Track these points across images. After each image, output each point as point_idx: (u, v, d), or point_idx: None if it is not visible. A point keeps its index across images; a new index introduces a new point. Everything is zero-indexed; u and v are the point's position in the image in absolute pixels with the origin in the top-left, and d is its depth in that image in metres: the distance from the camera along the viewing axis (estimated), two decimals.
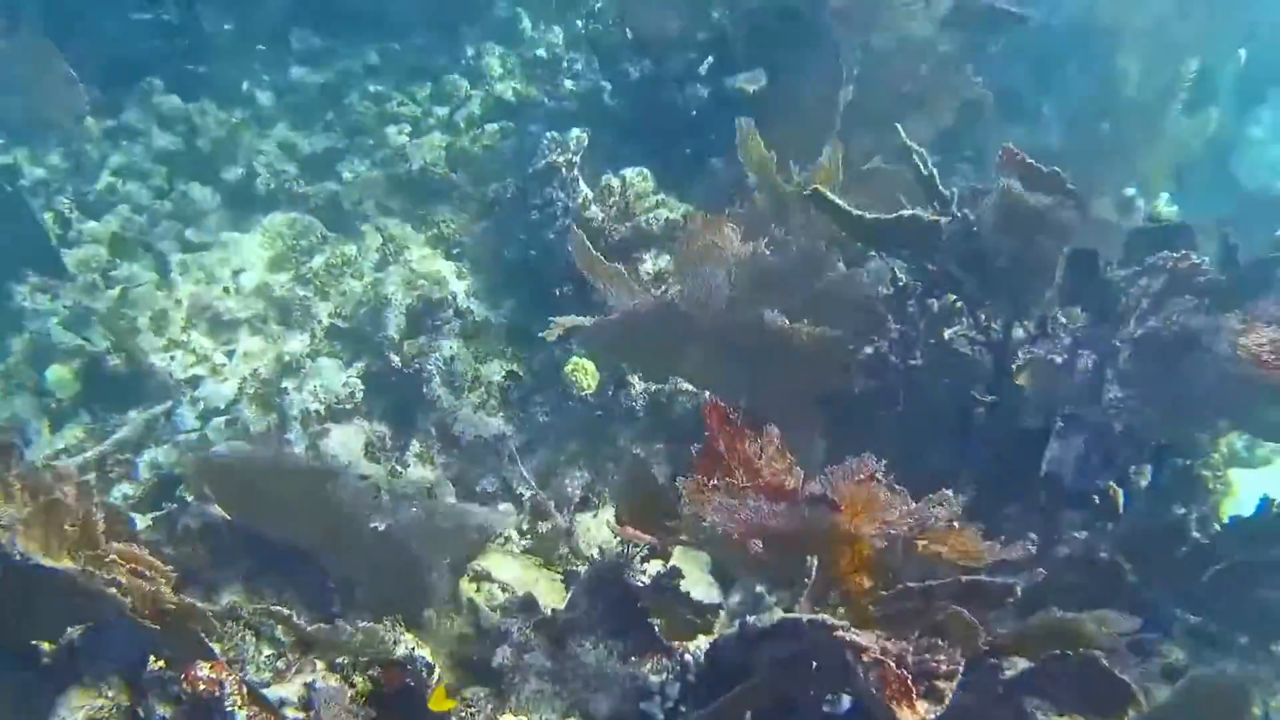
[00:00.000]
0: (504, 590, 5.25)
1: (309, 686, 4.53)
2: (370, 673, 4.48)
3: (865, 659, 3.46)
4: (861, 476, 3.93)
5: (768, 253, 5.74)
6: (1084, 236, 5.11)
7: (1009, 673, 3.80)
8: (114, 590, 3.97)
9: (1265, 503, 5.00)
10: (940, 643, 3.52)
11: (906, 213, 4.93)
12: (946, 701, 3.33)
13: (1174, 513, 5.59)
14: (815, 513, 3.85)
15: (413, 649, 4.59)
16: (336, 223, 7.70)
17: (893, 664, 3.35)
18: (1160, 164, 8.63)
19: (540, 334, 5.84)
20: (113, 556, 4.03)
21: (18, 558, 3.87)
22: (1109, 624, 3.89)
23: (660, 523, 4.66)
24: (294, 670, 4.64)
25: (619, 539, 5.22)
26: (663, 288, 6.28)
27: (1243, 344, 4.73)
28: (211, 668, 4.27)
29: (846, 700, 4.20)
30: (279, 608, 4.46)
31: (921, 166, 5.24)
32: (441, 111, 8.68)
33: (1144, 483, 5.55)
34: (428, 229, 7.61)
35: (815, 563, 3.91)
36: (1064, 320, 5.28)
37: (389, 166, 8.14)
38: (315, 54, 9.23)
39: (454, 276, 7.20)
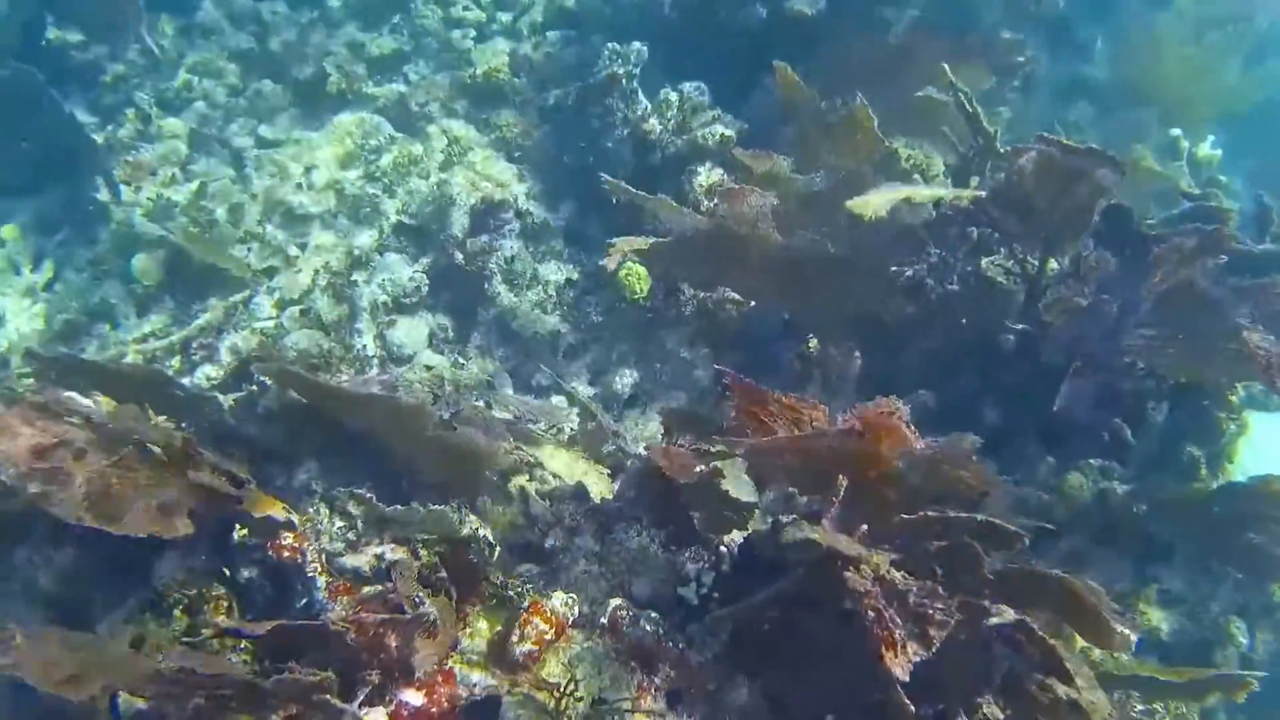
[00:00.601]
0: (555, 479, 5.61)
1: (379, 558, 4.95)
2: (437, 549, 4.87)
3: (866, 603, 3.78)
4: (885, 411, 4.28)
5: (816, 177, 6.03)
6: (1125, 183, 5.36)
7: (994, 619, 4.12)
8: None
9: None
10: (940, 589, 3.79)
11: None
12: (933, 649, 3.65)
13: (1187, 451, 5.94)
14: (844, 439, 4.20)
15: (476, 529, 4.98)
16: (403, 123, 7.98)
17: (887, 615, 3.68)
18: (1211, 110, 8.75)
19: (600, 244, 6.15)
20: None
21: None
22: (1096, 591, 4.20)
23: (704, 433, 5.06)
24: (363, 542, 5.06)
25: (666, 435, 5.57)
26: (715, 203, 6.59)
27: (1245, 335, 4.99)
28: (294, 537, 4.70)
29: None
30: (358, 490, 4.83)
31: (966, 104, 5.47)
32: (505, 17, 8.90)
33: (1159, 420, 5.89)
34: (490, 132, 7.89)
35: (844, 483, 4.24)
36: (1094, 264, 5.53)
37: (453, 69, 8.39)
38: None
39: (515, 179, 7.49)
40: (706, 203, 6.66)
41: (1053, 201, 5.19)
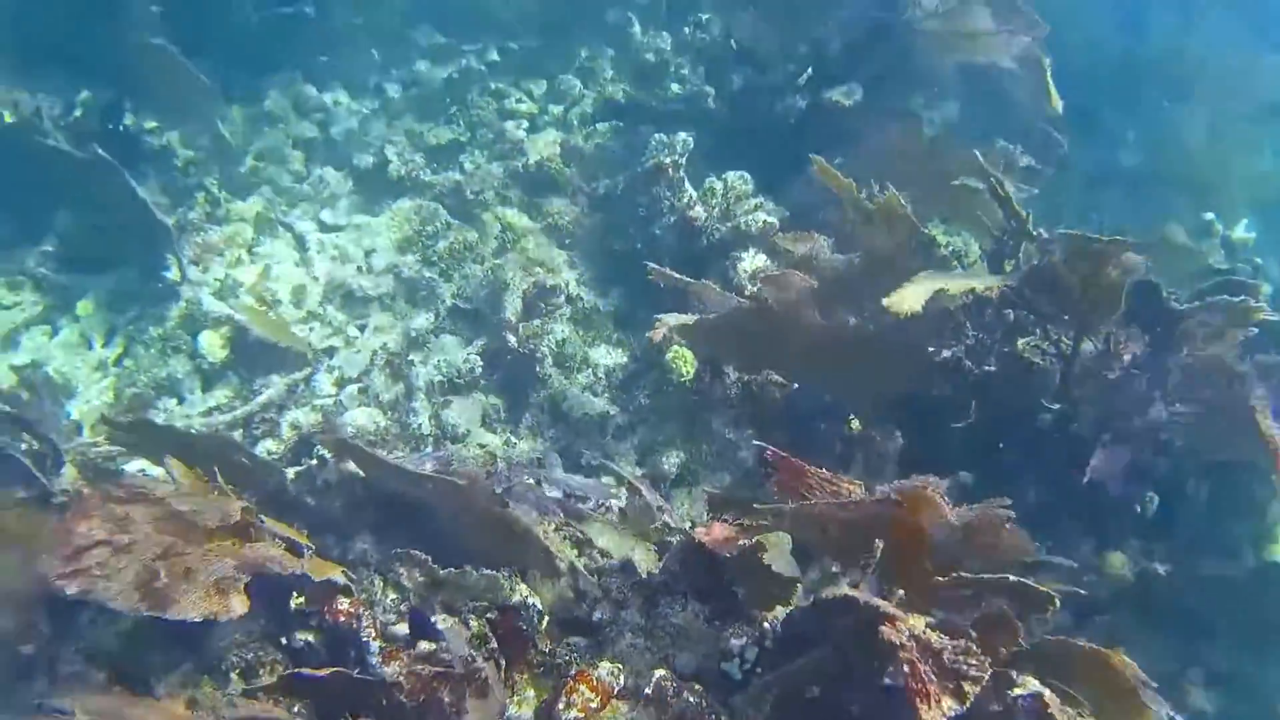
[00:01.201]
0: (602, 555, 5.78)
1: (433, 622, 5.14)
2: (487, 616, 5.06)
3: (902, 655, 3.94)
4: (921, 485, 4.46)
5: (855, 260, 6.26)
6: (1157, 261, 5.55)
7: (1018, 690, 4.24)
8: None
9: None
10: (975, 647, 3.95)
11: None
12: (968, 703, 3.79)
13: (1229, 529, 6.04)
14: (881, 508, 4.38)
15: (526, 597, 5.17)
16: (459, 210, 8.32)
17: (922, 667, 3.83)
18: (1243, 196, 8.95)
19: (647, 328, 6.38)
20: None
21: None
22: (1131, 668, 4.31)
23: (746, 508, 5.25)
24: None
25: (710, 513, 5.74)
26: (758, 287, 6.82)
27: (1256, 419, 5.15)
28: (350, 602, 4.90)
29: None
30: (415, 552, 5.03)
31: (999, 189, 5.69)
32: (556, 109, 9.30)
33: (1201, 497, 6.00)
34: (542, 219, 8.21)
35: (880, 545, 4.41)
36: (1124, 340, 5.70)
37: (507, 159, 8.75)
38: (438, 50, 9.91)
39: (566, 265, 7.79)
40: (750, 287, 6.88)
41: (1084, 283, 5.37)
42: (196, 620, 4.35)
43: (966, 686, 3.72)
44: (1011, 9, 8.17)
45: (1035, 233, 5.54)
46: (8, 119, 7.82)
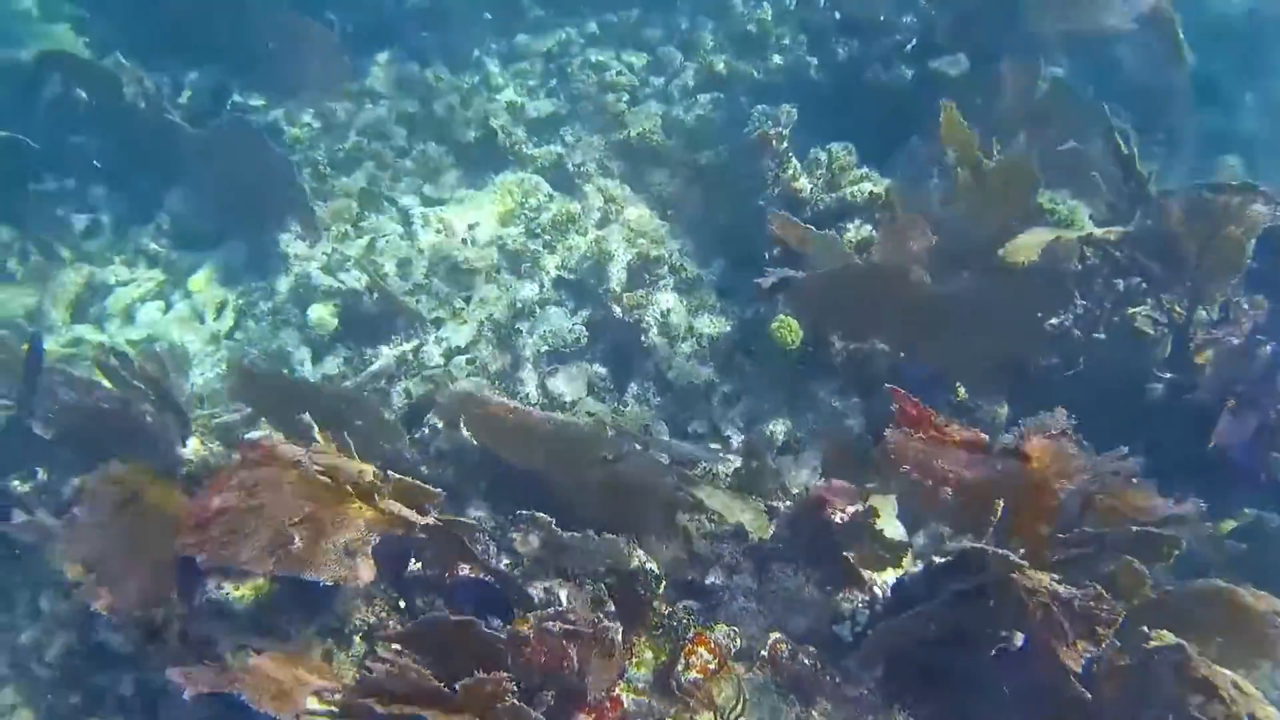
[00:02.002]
0: (714, 520, 5.79)
1: (548, 590, 5.19)
2: (606, 580, 5.09)
3: (1036, 599, 3.90)
4: (1052, 431, 4.39)
5: (966, 223, 6.18)
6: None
7: (1154, 643, 4.21)
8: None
9: None
10: (1106, 593, 3.90)
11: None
12: (1104, 645, 3.75)
13: None
14: (1006, 464, 4.32)
15: (644, 562, 5.20)
16: (561, 183, 8.36)
17: (1058, 609, 3.80)
18: None
19: (750, 299, 6.35)
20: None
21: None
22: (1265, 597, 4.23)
23: (858, 472, 5.23)
24: (530, 578, 5.31)
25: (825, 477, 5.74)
26: (865, 254, 6.78)
27: None
28: (471, 568, 4.96)
29: (1020, 638, 4.68)
30: (539, 515, 5.07)
31: (1123, 146, 5.56)
32: (657, 81, 9.28)
33: None
34: (645, 191, 8.22)
35: (1000, 504, 4.36)
36: (1246, 306, 5.56)
37: (609, 132, 8.76)
38: (538, 23, 9.94)
39: (669, 236, 7.78)
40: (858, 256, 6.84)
41: (1203, 243, 5.25)
42: (327, 584, 4.44)
43: (1100, 630, 3.70)
44: None
45: (1153, 195, 5.40)
46: (127, 97, 8.00)
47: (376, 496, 4.70)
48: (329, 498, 4.59)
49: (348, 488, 4.65)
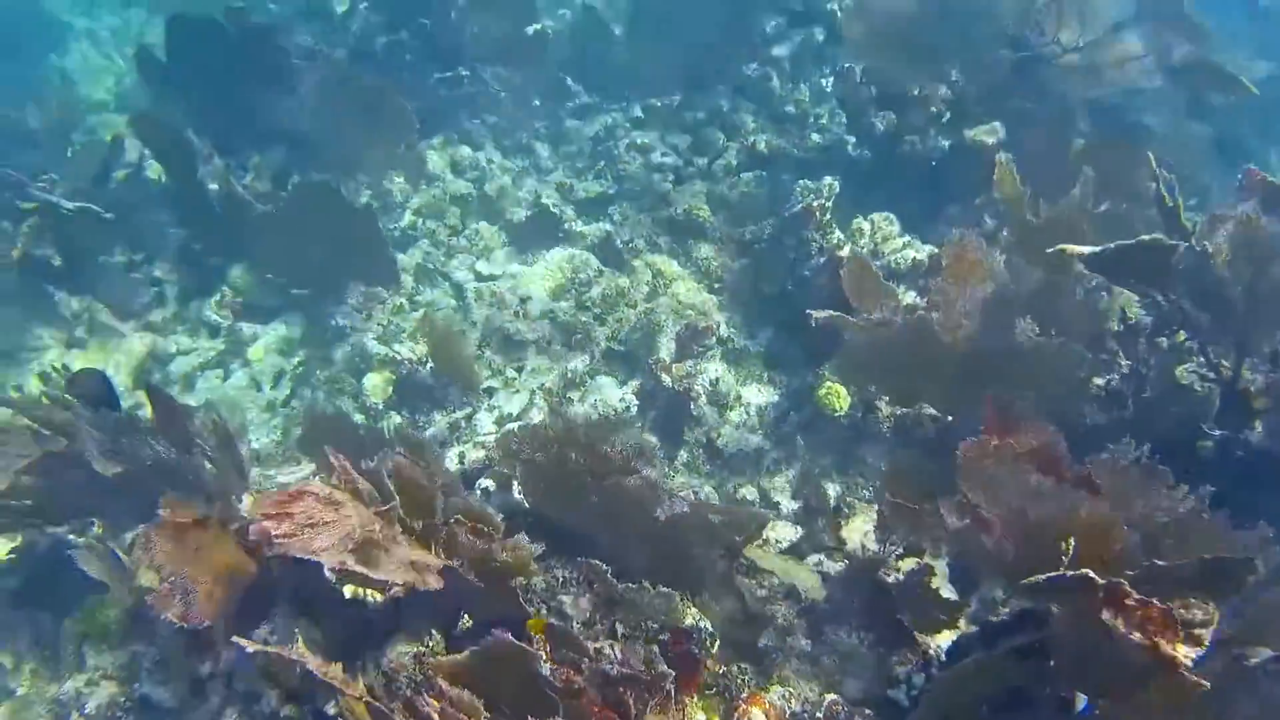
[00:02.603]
0: (765, 583, 5.84)
1: (598, 651, 5.22)
2: (660, 638, 5.13)
3: (1127, 604, 3.82)
4: (1122, 464, 4.41)
5: (1011, 279, 6.29)
6: None
7: (1253, 660, 4.16)
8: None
9: None
10: (1192, 599, 3.90)
11: (1147, 237, 5.27)
12: (1205, 645, 3.72)
13: None
14: (1076, 496, 4.33)
15: (698, 620, 5.25)
16: (610, 258, 8.57)
17: (1155, 617, 3.77)
18: None
19: (797, 367, 6.44)
20: (456, 518, 4.84)
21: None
22: None
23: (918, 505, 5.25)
24: (582, 637, 5.35)
25: (879, 535, 5.79)
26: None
27: None
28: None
29: (1083, 700, 4.66)
30: (595, 563, 5.14)
31: (1167, 197, 5.62)
32: (701, 161, 9.51)
33: None
34: (691, 265, 8.41)
35: (1072, 543, 4.36)
36: None
37: (655, 209, 8.98)
38: (585, 109, 10.27)
39: (715, 308, 7.95)
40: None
41: (1249, 290, 5.28)
42: (397, 587, 4.51)
43: (1199, 631, 3.69)
44: (1172, 21, 8.22)
45: (1199, 246, 5.46)
46: (199, 174, 8.30)
47: (433, 539, 4.79)
48: (394, 532, 4.69)
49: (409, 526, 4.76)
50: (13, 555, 6.26)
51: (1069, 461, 4.73)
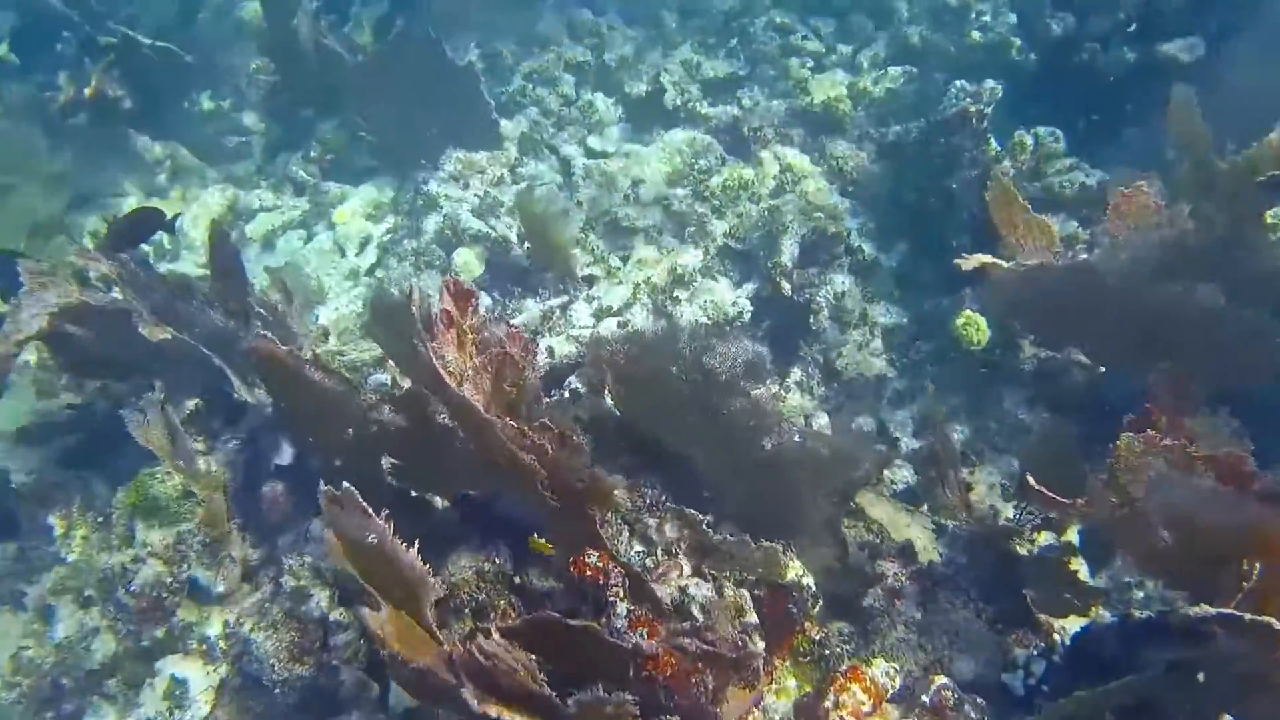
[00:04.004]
0: (875, 531, 5.17)
1: (683, 590, 4.58)
2: (755, 591, 4.48)
3: None
4: None
5: (1193, 228, 5.41)
6: None
7: None
8: (532, 459, 4.08)
9: None
10: None
11: None
12: None
13: None
14: (1266, 511, 3.58)
15: (801, 576, 4.58)
16: (735, 146, 7.72)
17: None
18: None
19: (932, 289, 5.68)
20: (542, 421, 4.17)
21: (459, 404, 4.05)
22: None
23: (1065, 491, 4.50)
24: (660, 570, 4.71)
25: (1017, 500, 5.07)
26: (1072, 252, 6.06)
27: None
28: (599, 557, 4.37)
29: None
30: (689, 511, 4.49)
31: None
32: (845, 49, 8.62)
33: None
34: (824, 163, 7.53)
35: (1256, 569, 3.64)
36: None
37: (790, 98, 8.12)
38: None
39: (847, 213, 7.10)
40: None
41: None
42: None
43: None
44: None
45: None
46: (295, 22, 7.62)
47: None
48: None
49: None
50: (71, 412, 5.86)
51: (1253, 469, 3.93)
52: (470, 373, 4.06)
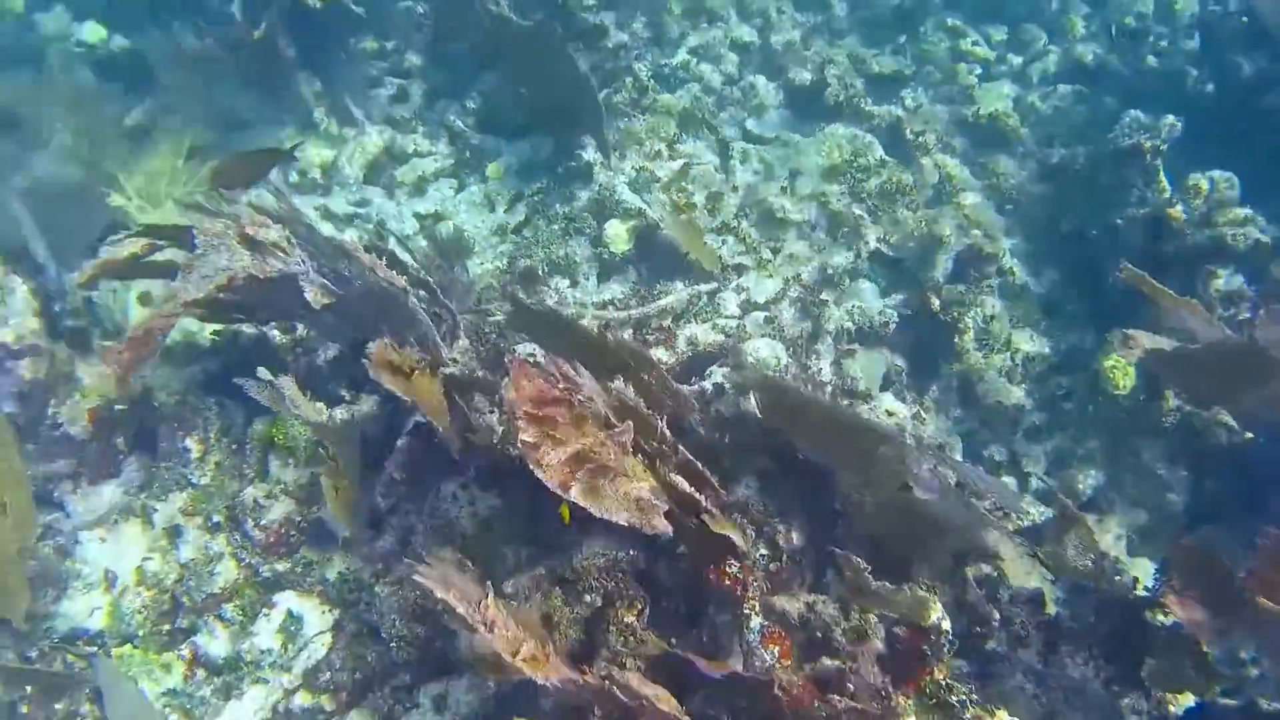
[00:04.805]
0: (1001, 575, 5.13)
1: (810, 607, 4.60)
2: (893, 628, 4.47)
3: None
4: None
5: None
6: None
7: None
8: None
9: None
10: None
11: None
12: None
13: None
14: None
15: (940, 619, 4.55)
16: (894, 148, 7.61)
17: None
18: None
19: (1079, 322, 5.56)
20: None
21: None
22: None
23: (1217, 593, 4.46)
24: (784, 577, 4.73)
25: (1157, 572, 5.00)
26: (1232, 311, 5.93)
27: None
28: (741, 569, 4.40)
29: None
30: (853, 558, 4.48)
31: None
32: (1015, 60, 8.46)
33: None
34: (985, 178, 7.43)
35: None
36: None
37: (953, 104, 8.00)
38: None
39: (1002, 233, 7.00)
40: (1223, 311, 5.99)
41: None
42: (620, 524, 4.01)
43: None
44: None
45: None
46: None
47: (661, 463, 4.23)
48: (618, 449, 4.13)
49: (632, 442, 4.18)
50: (216, 338, 5.99)
51: None
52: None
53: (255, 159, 5.67)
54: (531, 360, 4.62)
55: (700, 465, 4.36)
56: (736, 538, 4.30)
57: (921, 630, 4.36)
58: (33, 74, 7.44)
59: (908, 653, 4.34)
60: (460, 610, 3.79)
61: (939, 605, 4.44)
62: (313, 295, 4.92)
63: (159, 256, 5.36)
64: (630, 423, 4.25)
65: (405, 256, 5.81)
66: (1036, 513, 5.71)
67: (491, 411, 5.08)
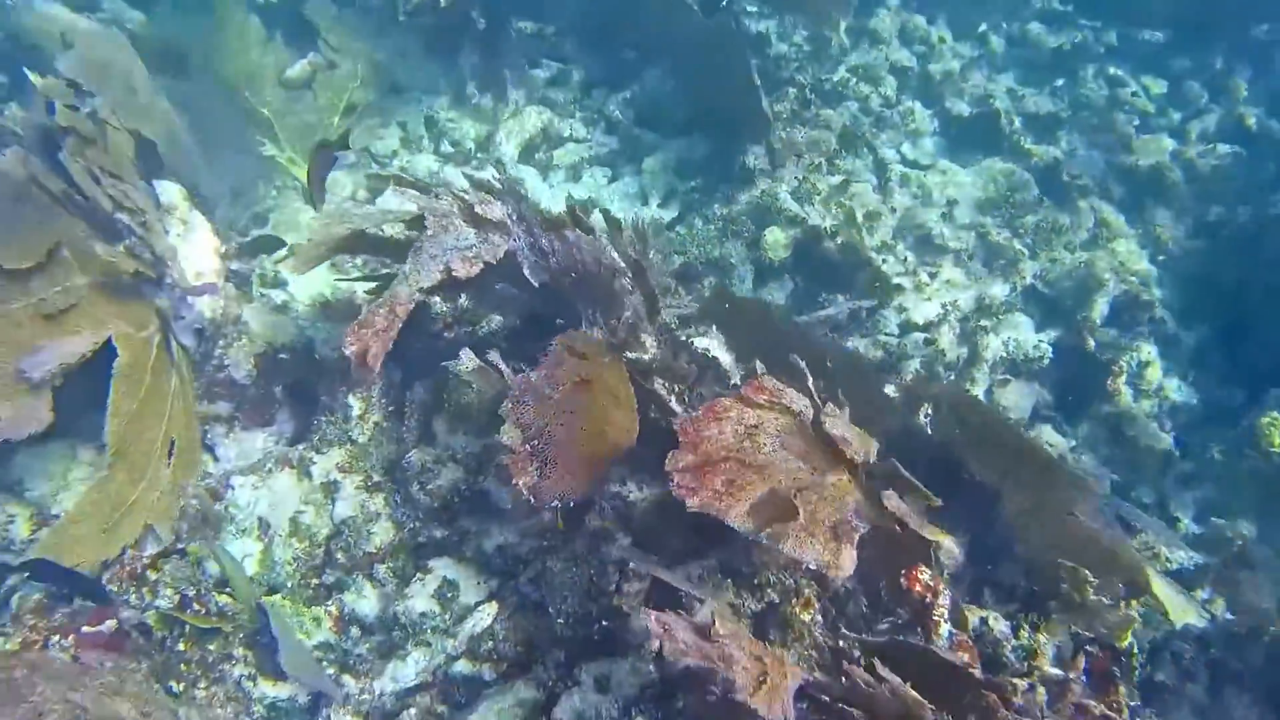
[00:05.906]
0: (1159, 610, 5.16)
1: (983, 621, 4.66)
2: (1086, 648, 4.52)
3: None
4: None
5: None
6: None
7: None
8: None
9: None
10: None
11: None
12: None
13: None
14: None
15: (1132, 644, 4.61)
16: (1049, 188, 7.67)
17: None
18: None
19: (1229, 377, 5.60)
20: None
21: None
22: None
23: None
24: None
25: None
26: None
27: None
28: (932, 577, 4.47)
29: None
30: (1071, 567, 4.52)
31: None
32: (1174, 115, 8.48)
33: None
34: (1140, 225, 7.47)
35: None
36: None
37: (1110, 152, 8.02)
38: (1052, 15, 9.25)
39: (1154, 283, 7.05)
40: None
41: None
42: (811, 566, 3.95)
43: None
44: None
45: None
46: None
47: (863, 477, 4.27)
48: (824, 465, 4.17)
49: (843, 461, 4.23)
50: (372, 298, 6.01)
51: None
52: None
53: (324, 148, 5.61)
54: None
55: (905, 471, 4.37)
56: (949, 543, 4.36)
57: (1117, 652, 4.42)
58: (203, 19, 7.54)
59: (1100, 670, 4.41)
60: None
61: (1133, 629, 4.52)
62: (532, 275, 5.00)
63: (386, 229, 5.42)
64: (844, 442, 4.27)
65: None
66: (1185, 555, 5.72)
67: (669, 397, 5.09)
